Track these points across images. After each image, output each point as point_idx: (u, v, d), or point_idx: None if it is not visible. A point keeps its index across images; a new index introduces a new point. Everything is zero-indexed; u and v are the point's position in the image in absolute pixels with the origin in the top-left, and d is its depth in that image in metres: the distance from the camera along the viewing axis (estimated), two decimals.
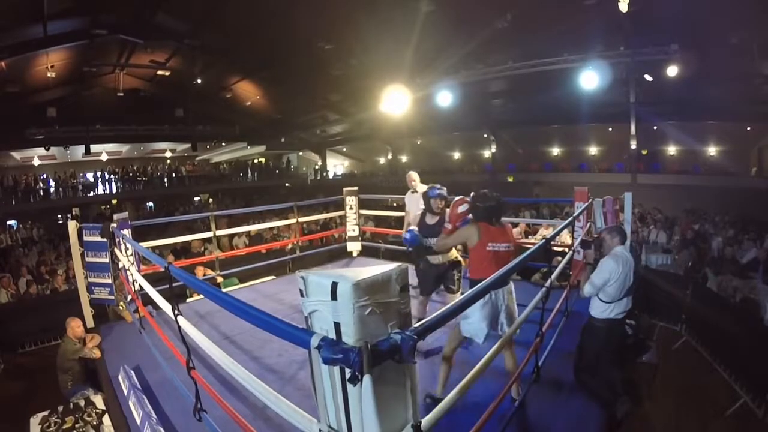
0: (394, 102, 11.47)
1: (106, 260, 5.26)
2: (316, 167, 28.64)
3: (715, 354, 5.18)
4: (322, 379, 1.54)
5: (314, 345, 1.41)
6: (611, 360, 3.42)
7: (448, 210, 3.80)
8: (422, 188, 5.34)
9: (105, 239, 5.17)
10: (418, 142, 27.35)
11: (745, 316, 5.65)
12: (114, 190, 21.88)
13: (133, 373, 3.86)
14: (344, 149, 30.17)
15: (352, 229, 7.81)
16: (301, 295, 1.56)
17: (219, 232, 6.80)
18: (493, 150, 22.46)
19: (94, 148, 20.73)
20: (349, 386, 1.41)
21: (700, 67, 12.59)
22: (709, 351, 5.31)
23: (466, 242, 3.31)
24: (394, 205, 11.97)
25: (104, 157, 22.95)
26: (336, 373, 1.47)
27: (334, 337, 1.43)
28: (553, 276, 3.66)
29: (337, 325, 1.43)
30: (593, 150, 22.31)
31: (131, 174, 22.43)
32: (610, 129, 20.32)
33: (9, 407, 4.39)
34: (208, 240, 7.37)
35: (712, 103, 14.13)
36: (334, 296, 1.42)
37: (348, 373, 1.35)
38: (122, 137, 21.69)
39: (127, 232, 5.09)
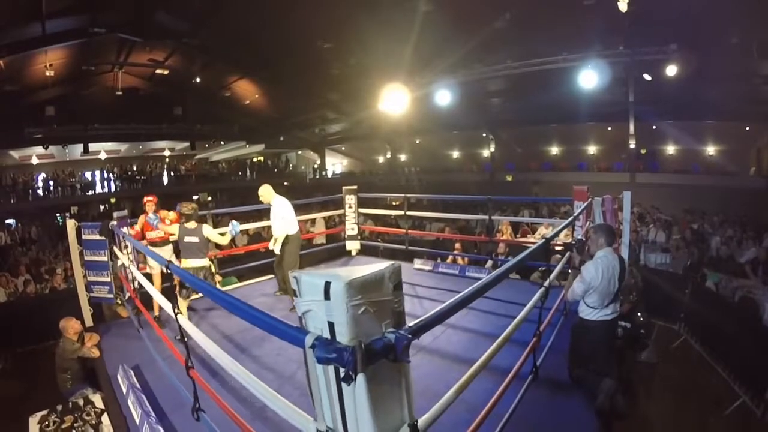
0: (393, 101, 11.48)
1: (105, 259, 5.26)
2: (315, 166, 28.62)
3: (714, 353, 5.19)
4: (317, 378, 1.54)
5: (308, 344, 1.41)
6: (604, 357, 3.40)
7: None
8: (278, 200, 5.59)
9: (104, 238, 5.17)
10: (417, 141, 27.35)
11: (744, 316, 5.65)
12: (113, 189, 21.87)
13: (132, 373, 3.86)
14: (343, 148, 30.16)
15: (351, 227, 7.81)
16: (295, 295, 1.56)
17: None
18: (492, 149, 22.48)
19: (92, 146, 20.76)
20: (344, 385, 1.41)
21: (699, 66, 12.59)
22: (708, 350, 5.32)
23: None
24: (393, 203, 11.98)
25: (103, 156, 22.94)
26: (331, 372, 1.47)
27: (329, 337, 1.43)
28: (552, 275, 3.66)
29: (331, 325, 1.43)
30: (592, 149, 22.34)
31: (130, 173, 22.42)
32: (609, 128, 20.35)
33: (8, 406, 4.39)
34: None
35: (710, 103, 14.16)
36: (327, 296, 1.42)
37: (342, 372, 1.35)
38: (121, 136, 21.63)
39: (126, 230, 5.08)
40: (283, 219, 5.52)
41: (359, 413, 1.43)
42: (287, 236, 5.58)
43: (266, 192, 5.59)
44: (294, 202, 7.12)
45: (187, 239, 4.69)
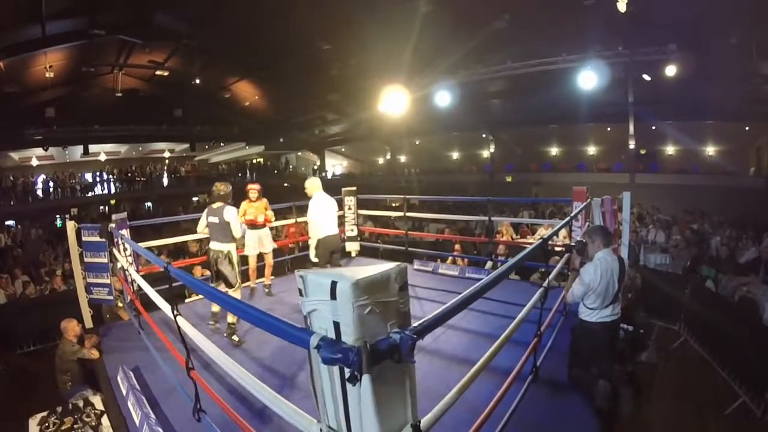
0: (393, 102, 11.47)
1: (105, 260, 5.25)
2: (315, 167, 28.63)
3: (714, 353, 5.19)
4: (322, 378, 1.54)
5: (313, 345, 1.40)
6: (603, 359, 3.40)
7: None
8: (321, 195, 5.34)
9: (103, 239, 5.17)
10: (417, 142, 27.36)
11: (744, 316, 5.65)
12: (112, 191, 21.86)
13: (132, 374, 3.85)
14: (343, 149, 30.17)
15: (350, 229, 7.81)
16: (300, 294, 1.56)
17: None
18: (492, 150, 22.49)
19: (92, 148, 20.77)
20: (349, 386, 1.41)
21: (699, 66, 12.61)
22: (708, 350, 5.32)
23: None
24: (393, 205, 11.97)
25: (103, 158, 22.92)
26: (335, 372, 1.47)
27: (334, 337, 1.43)
28: (551, 275, 3.66)
29: (336, 325, 1.42)
30: (592, 150, 22.35)
31: (129, 174, 22.42)
32: (609, 129, 20.37)
33: (8, 408, 4.38)
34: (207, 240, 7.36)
35: (710, 103, 14.15)
36: (333, 295, 1.41)
37: (347, 372, 1.35)
38: (121, 137, 21.68)
39: (125, 232, 5.08)
40: (326, 219, 5.23)
41: (364, 414, 1.43)
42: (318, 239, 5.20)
43: (312, 185, 5.37)
44: (294, 204, 7.17)
45: (210, 219, 4.47)
